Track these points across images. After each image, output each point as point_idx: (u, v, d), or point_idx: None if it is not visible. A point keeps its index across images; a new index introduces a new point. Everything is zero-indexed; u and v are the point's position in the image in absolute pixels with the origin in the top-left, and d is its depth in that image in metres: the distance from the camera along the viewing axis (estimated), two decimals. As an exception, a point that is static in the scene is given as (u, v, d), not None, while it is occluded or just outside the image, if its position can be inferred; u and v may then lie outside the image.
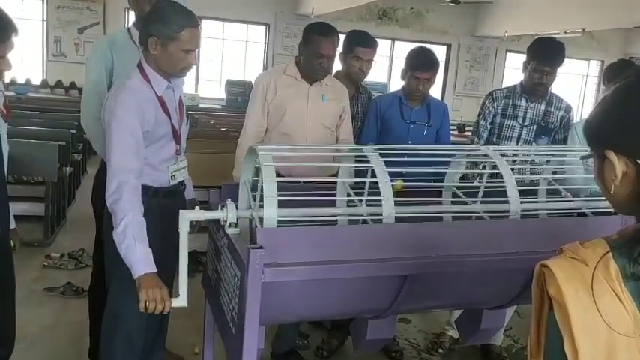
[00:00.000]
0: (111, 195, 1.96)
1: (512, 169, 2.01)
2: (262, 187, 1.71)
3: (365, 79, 3.18)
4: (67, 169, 5.21)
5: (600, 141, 0.93)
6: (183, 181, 2.36)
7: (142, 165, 2.05)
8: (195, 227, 2.41)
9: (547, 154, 2.41)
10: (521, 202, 1.96)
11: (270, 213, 1.69)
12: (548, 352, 0.89)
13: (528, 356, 0.94)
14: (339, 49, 2.89)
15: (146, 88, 2.10)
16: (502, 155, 2.08)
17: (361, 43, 3.02)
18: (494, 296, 2.09)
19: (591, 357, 0.80)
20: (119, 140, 2.00)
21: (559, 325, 0.83)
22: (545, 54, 2.97)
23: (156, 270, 1.91)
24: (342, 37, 2.95)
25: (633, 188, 0.88)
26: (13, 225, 2.33)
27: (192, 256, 4.17)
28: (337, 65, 3.00)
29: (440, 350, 3.28)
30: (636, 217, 0.90)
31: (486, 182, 2.12)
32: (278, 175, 1.77)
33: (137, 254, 1.89)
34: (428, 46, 3.35)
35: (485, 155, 2.12)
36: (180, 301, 1.88)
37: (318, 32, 2.73)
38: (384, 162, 1.87)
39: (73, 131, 5.73)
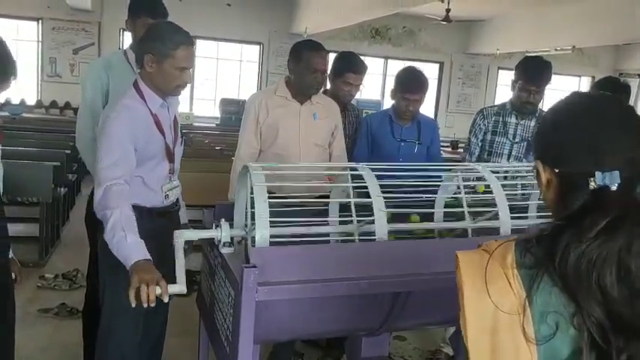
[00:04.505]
0: (98, 203, 1.90)
1: (503, 185, 2.03)
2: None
3: (358, 97, 3.21)
4: (62, 189, 5.20)
5: (535, 154, 1.08)
6: (177, 200, 2.37)
7: (131, 174, 2.01)
8: (188, 250, 2.41)
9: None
10: (511, 219, 1.98)
11: (262, 232, 1.70)
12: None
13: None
14: (328, 69, 2.90)
15: (141, 105, 2.12)
16: (493, 172, 2.10)
17: (352, 69, 3.06)
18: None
19: (476, 330, 0.93)
20: (108, 150, 1.99)
21: (460, 307, 0.95)
22: (532, 73, 3.02)
23: (149, 257, 1.77)
24: (333, 57, 2.98)
25: (556, 194, 1.01)
26: (10, 254, 2.17)
27: (187, 275, 4.15)
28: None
29: (435, 367, 3.28)
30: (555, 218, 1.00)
31: (478, 198, 2.14)
32: (272, 193, 1.78)
33: (128, 243, 1.79)
34: (420, 63, 3.42)
35: (478, 173, 2.15)
36: (179, 286, 1.77)
37: (310, 48, 2.75)
38: (378, 178, 1.89)
39: (68, 151, 5.73)
